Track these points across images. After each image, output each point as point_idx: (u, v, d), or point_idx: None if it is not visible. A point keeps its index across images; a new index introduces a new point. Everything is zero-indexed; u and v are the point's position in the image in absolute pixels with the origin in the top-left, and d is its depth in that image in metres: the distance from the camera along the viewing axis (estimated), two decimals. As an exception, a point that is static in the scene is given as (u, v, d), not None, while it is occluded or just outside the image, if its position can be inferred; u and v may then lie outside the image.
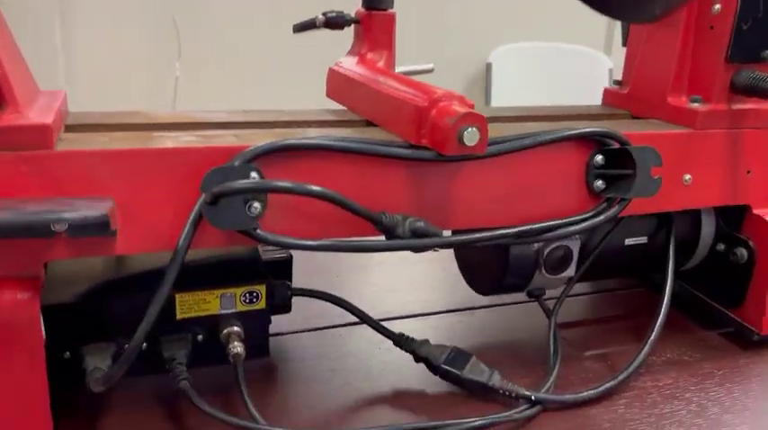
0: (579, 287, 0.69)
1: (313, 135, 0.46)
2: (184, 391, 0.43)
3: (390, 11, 0.59)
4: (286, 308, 0.54)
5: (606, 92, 0.65)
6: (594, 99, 0.67)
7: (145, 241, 0.41)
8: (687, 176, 0.55)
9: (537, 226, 0.48)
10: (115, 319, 0.44)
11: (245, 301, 0.48)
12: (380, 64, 0.58)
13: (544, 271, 0.54)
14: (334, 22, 0.58)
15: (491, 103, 2.07)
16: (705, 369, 0.55)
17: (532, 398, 0.48)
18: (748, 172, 0.57)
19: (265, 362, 0.53)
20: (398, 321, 0.61)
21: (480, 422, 0.46)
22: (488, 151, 0.45)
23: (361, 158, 0.44)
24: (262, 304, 0.48)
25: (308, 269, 0.58)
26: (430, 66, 0.70)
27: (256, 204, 0.41)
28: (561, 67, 2.15)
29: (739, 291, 0.59)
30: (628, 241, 0.58)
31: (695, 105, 0.55)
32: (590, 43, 2.14)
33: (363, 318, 0.54)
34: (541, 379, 0.52)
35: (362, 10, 0.58)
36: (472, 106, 0.44)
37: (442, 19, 2.08)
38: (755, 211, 0.57)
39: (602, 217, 0.49)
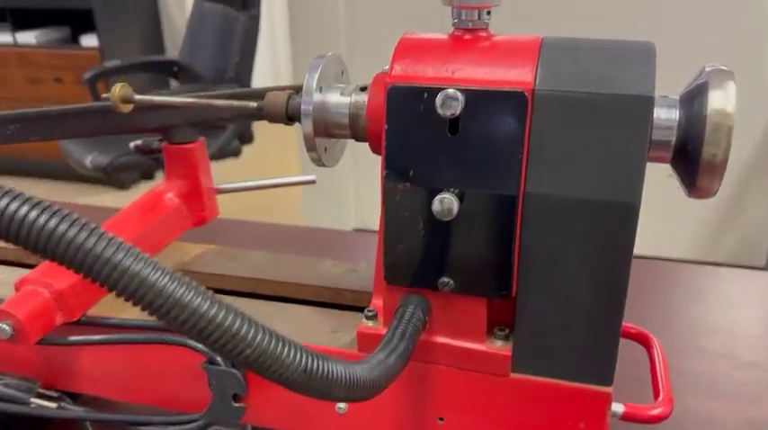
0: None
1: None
2: None
3: (192, 143, 0.59)
4: None
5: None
6: None
7: None
8: (341, 405, 0.45)
9: (117, 417, 0.48)
10: None
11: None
12: (169, 195, 0.60)
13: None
14: (141, 149, 0.62)
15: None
16: None
17: None
18: (440, 419, 0.44)
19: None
20: None
21: None
22: (48, 341, 0.47)
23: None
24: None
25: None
26: (311, 177, 0.68)
27: None
28: None
29: None
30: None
31: (368, 324, 0.44)
32: None
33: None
34: None
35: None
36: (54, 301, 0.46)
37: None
38: (448, 470, 0.44)
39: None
